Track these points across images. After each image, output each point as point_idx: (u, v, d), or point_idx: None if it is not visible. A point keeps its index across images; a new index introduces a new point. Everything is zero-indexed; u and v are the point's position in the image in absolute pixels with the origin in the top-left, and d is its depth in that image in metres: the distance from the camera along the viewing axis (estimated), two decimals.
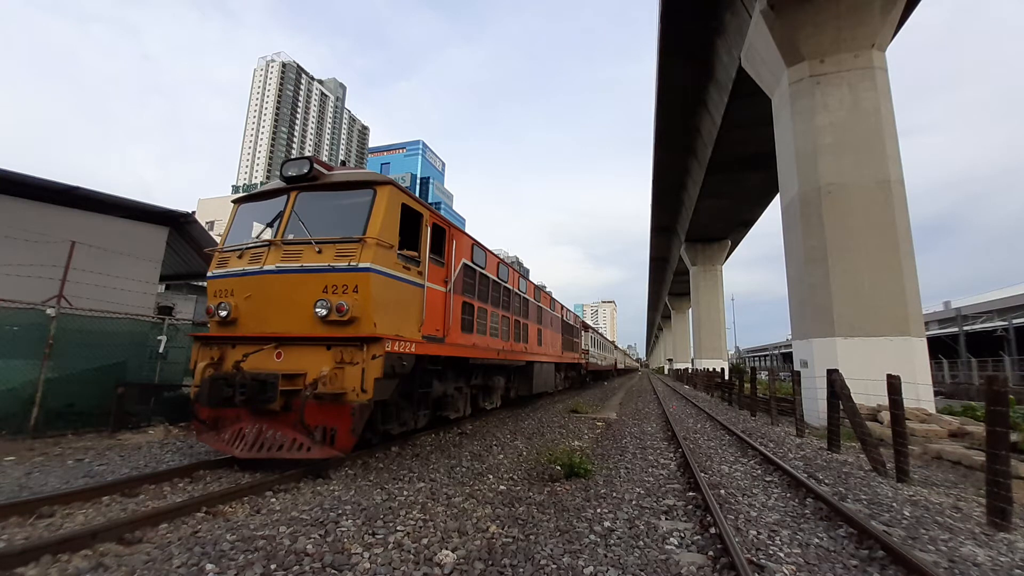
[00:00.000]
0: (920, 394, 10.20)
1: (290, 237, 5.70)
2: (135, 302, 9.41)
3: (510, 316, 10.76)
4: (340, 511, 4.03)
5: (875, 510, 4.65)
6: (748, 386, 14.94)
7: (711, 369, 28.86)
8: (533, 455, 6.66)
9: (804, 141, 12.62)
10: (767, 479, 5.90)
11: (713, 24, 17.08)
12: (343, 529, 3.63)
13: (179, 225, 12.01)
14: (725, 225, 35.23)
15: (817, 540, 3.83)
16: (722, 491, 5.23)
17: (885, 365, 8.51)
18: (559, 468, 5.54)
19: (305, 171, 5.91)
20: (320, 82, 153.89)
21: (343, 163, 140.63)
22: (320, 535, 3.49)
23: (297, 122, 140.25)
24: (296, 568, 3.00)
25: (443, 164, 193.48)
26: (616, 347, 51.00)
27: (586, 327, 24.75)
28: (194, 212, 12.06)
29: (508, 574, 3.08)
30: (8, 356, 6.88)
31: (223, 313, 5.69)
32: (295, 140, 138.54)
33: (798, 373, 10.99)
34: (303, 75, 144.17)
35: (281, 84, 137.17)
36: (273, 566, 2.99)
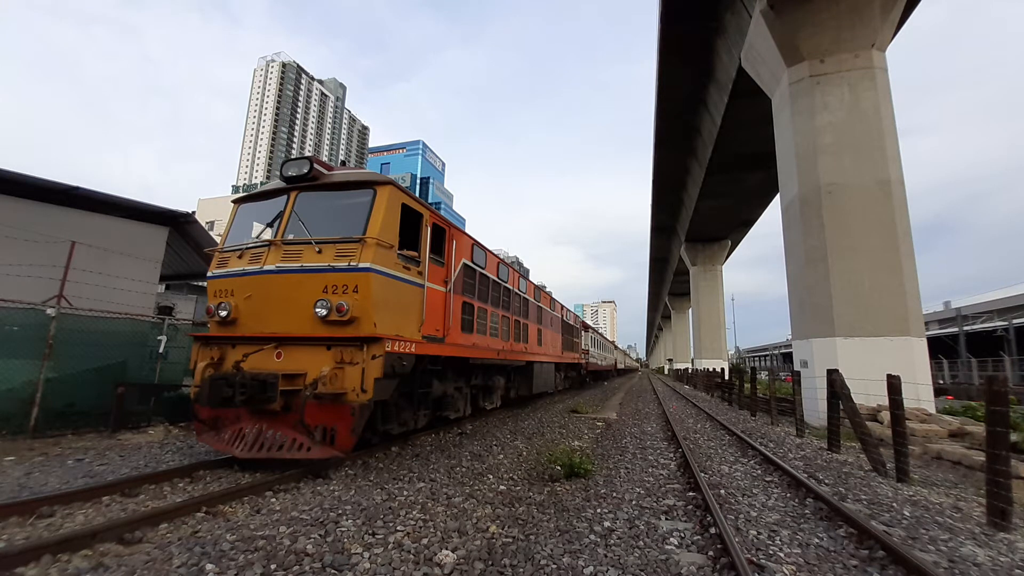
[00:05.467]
0: (920, 394, 10.20)
1: (290, 237, 5.70)
2: (135, 302, 9.41)
3: (510, 316, 10.76)
4: (340, 511, 4.03)
5: (875, 510, 4.65)
6: (748, 386, 14.94)
7: (711, 369, 28.86)
8: (533, 455, 6.66)
9: (804, 141, 12.62)
10: (767, 479, 5.90)
11: (713, 24, 17.08)
12: (343, 529, 3.63)
13: (179, 225, 12.00)
14: (725, 225, 35.22)
15: (817, 540, 3.83)
16: (722, 491, 5.23)
17: (885, 365, 8.50)
18: (559, 468, 5.54)
19: (305, 171, 5.91)
20: (320, 82, 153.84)
21: (343, 163, 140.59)
22: (320, 535, 3.49)
23: (297, 122, 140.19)
24: (296, 568, 3.00)
25: (443, 164, 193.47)
26: (616, 347, 51.00)
27: (586, 327, 24.75)
28: (194, 212, 12.06)
29: (508, 574, 3.07)
30: (8, 356, 6.87)
31: (223, 313, 5.69)
32: (295, 140, 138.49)
33: (798, 373, 10.99)
34: (303, 75, 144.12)
35: (281, 84, 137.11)
36: (273, 566, 2.99)
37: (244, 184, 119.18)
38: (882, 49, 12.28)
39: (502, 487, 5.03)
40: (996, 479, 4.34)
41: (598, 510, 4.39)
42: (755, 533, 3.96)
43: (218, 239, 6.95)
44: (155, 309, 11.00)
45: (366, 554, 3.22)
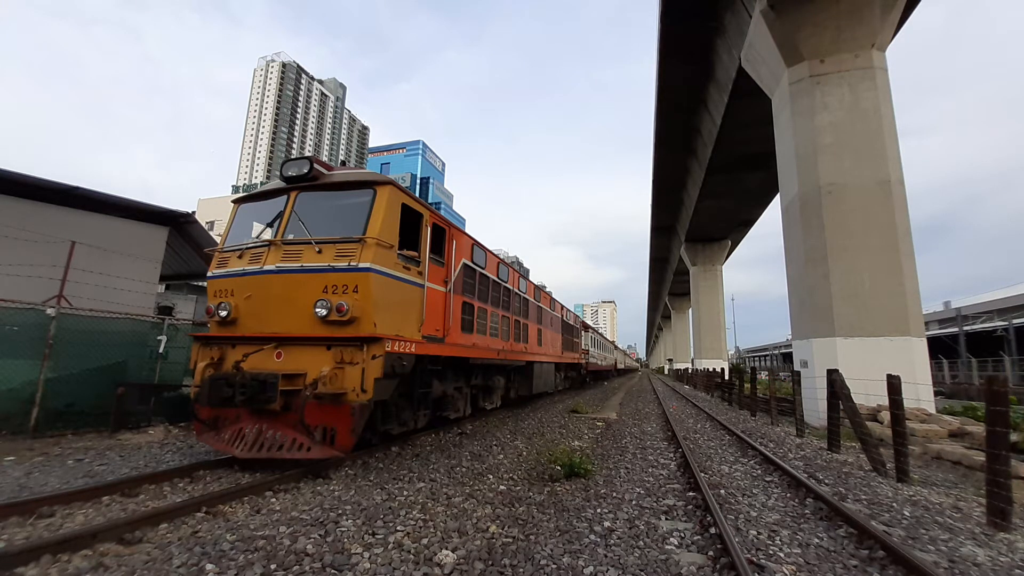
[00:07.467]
0: (920, 394, 10.20)
1: (290, 237, 5.70)
2: (135, 302, 9.42)
3: (510, 316, 10.76)
4: (340, 511, 4.03)
5: (875, 510, 4.65)
6: (748, 386, 14.94)
7: (711, 369, 28.86)
8: (533, 455, 6.66)
9: (804, 141, 12.62)
10: (767, 479, 5.90)
11: (713, 24, 17.08)
12: (343, 529, 3.63)
13: (179, 225, 12.02)
14: (725, 225, 35.22)
15: (817, 540, 3.83)
16: (722, 491, 5.23)
17: (885, 365, 8.50)
18: (559, 468, 5.54)
19: (305, 171, 5.91)
20: (320, 82, 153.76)
21: (343, 163, 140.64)
22: (320, 535, 3.49)
23: (297, 122, 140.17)
24: (296, 568, 2.99)
25: (443, 164, 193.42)
26: (616, 347, 51.01)
27: (586, 327, 24.75)
28: (194, 212, 12.07)
29: (508, 574, 3.07)
30: (8, 356, 6.87)
31: (223, 313, 5.69)
32: (295, 140, 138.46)
33: (798, 373, 10.98)
34: (303, 75, 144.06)
35: (281, 84, 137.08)
36: (273, 566, 2.99)
37: (244, 184, 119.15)
38: (882, 49, 12.29)
39: (502, 487, 5.03)
40: (996, 479, 4.34)
41: (598, 510, 4.39)
42: (755, 533, 3.96)
43: (218, 239, 6.95)
44: (155, 309, 11.01)
45: (366, 554, 3.22)
